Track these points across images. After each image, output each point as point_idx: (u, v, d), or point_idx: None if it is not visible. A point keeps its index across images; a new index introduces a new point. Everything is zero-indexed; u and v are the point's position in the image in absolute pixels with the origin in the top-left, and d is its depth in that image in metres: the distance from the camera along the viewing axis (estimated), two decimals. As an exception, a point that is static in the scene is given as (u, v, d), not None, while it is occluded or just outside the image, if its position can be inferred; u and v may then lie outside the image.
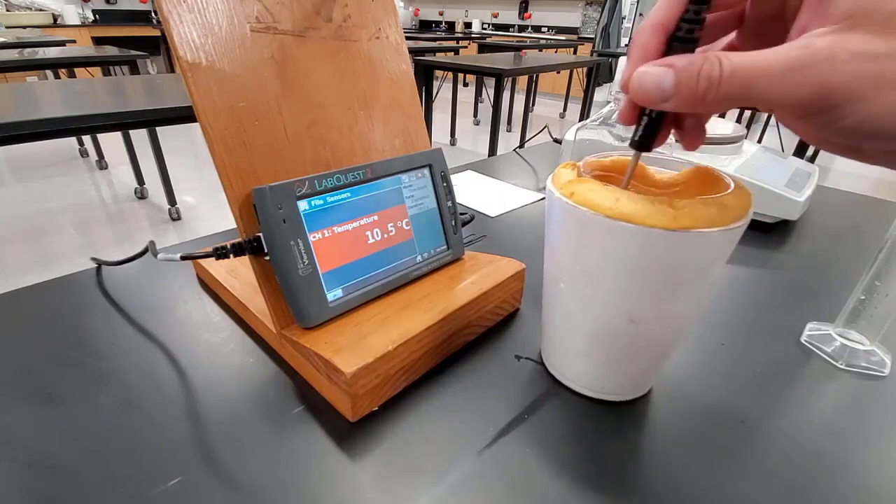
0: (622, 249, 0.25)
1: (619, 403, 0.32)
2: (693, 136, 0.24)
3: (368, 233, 0.35)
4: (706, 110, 0.19)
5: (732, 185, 0.26)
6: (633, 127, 0.23)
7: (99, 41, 4.79)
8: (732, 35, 0.22)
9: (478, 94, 4.61)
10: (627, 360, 0.30)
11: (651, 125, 0.22)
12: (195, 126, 0.44)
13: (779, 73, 0.16)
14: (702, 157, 0.60)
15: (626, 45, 4.81)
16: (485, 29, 6.34)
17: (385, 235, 0.36)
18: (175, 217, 2.33)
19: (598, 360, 0.31)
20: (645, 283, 0.26)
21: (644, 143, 0.23)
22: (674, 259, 0.25)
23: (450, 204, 0.40)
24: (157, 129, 2.13)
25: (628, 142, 0.24)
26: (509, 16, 6.25)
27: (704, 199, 0.24)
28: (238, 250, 0.31)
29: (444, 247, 0.40)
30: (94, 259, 0.46)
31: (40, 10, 4.72)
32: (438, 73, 2.91)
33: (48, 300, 0.41)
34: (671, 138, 0.24)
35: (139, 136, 2.23)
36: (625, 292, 0.27)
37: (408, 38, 2.24)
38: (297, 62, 0.33)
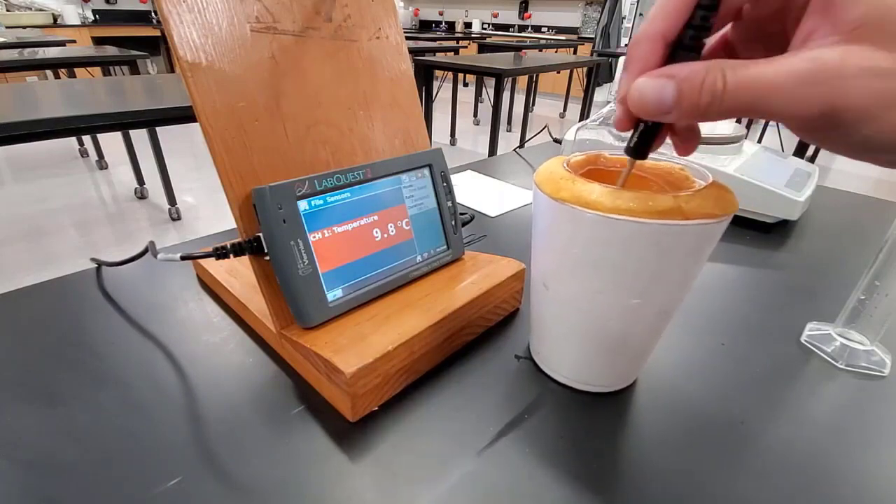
0: (604, 242, 0.26)
1: (617, 402, 0.32)
2: (688, 142, 0.23)
3: (368, 233, 0.35)
4: (706, 121, 0.19)
5: (706, 181, 0.26)
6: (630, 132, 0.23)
7: (99, 41, 4.79)
8: (727, 28, 0.22)
9: (478, 94, 4.61)
10: (613, 351, 0.30)
11: (647, 133, 0.22)
12: (195, 126, 0.44)
13: (786, 88, 0.16)
14: (702, 158, 0.60)
15: (626, 46, 4.81)
16: (485, 29, 6.34)
17: (385, 235, 0.36)
18: (175, 217, 2.33)
19: (583, 351, 0.31)
20: (627, 276, 0.27)
21: (639, 151, 0.23)
22: (655, 251, 0.25)
23: (450, 204, 0.40)
24: (157, 129, 2.13)
25: (624, 149, 0.23)
26: (509, 16, 6.25)
27: (689, 193, 0.24)
28: (238, 250, 0.31)
29: (444, 247, 0.40)
30: (93, 259, 0.46)
31: (40, 10, 4.72)
32: (438, 73, 2.91)
33: (48, 300, 0.41)
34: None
35: (139, 136, 2.23)
36: (610, 285, 0.27)
37: (408, 38, 2.24)
38: (297, 62, 0.33)
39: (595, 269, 0.27)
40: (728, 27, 0.22)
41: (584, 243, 0.27)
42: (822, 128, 0.16)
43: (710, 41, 0.23)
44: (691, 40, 0.19)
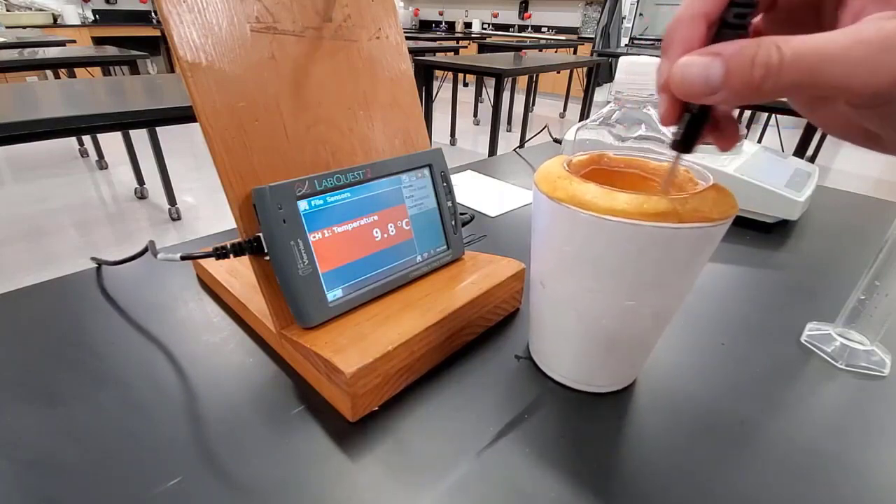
0: (598, 243, 0.26)
1: (617, 402, 0.32)
2: (729, 134, 0.22)
3: (368, 233, 0.35)
4: (760, 101, 0.17)
5: (709, 183, 0.26)
6: (674, 127, 0.21)
7: (99, 41, 4.79)
8: (758, 19, 0.21)
9: (478, 94, 4.61)
10: (610, 351, 0.30)
11: (693, 123, 0.20)
12: (195, 126, 0.44)
13: (853, 56, 0.14)
14: (702, 158, 0.60)
15: (627, 45, 4.82)
16: (485, 29, 6.34)
17: (385, 235, 0.36)
18: (175, 217, 2.33)
19: (581, 351, 0.31)
20: (621, 277, 0.27)
21: (686, 143, 0.21)
22: (649, 253, 0.25)
23: (450, 204, 0.40)
24: (157, 129, 2.13)
25: (669, 144, 0.22)
26: (509, 16, 6.25)
27: (685, 196, 0.24)
28: (238, 250, 0.31)
29: (444, 247, 0.40)
30: (93, 259, 0.46)
31: (40, 10, 4.72)
32: (438, 73, 2.91)
33: (48, 300, 0.41)
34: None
35: (139, 136, 2.23)
36: (603, 285, 0.27)
37: (408, 38, 2.24)
38: (297, 62, 0.33)
39: (589, 269, 0.27)
40: (758, 18, 0.21)
41: (579, 243, 0.27)
42: (888, 101, 0.15)
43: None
44: (736, 18, 0.17)
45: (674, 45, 0.18)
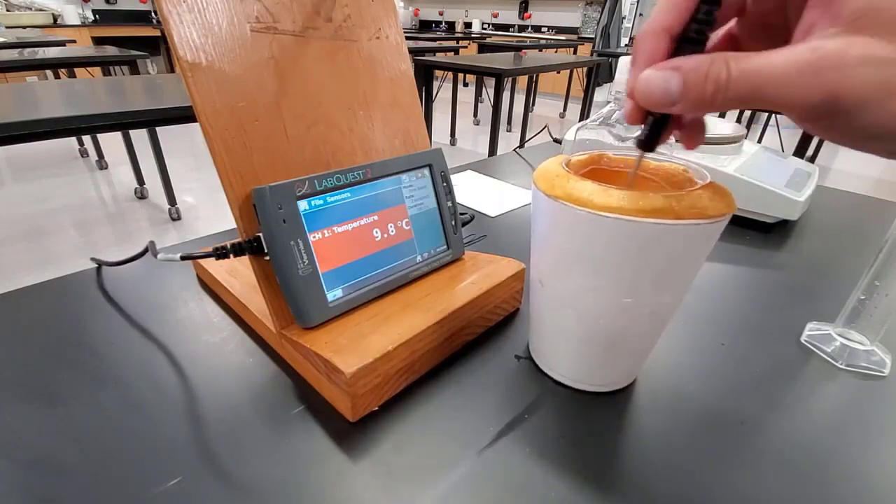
0: (612, 243, 0.26)
1: (617, 402, 0.32)
2: (694, 135, 0.24)
3: (368, 233, 0.35)
4: (713, 112, 0.19)
5: (708, 179, 0.27)
6: (640, 126, 0.23)
7: (99, 41, 4.79)
8: (732, 23, 0.22)
9: (478, 94, 4.61)
10: (608, 350, 0.30)
11: (656, 126, 0.22)
12: (195, 126, 0.44)
13: (787, 77, 0.16)
14: (702, 158, 0.60)
15: (627, 45, 4.82)
16: (485, 29, 6.34)
17: (385, 235, 0.36)
18: (175, 217, 2.33)
19: (579, 350, 0.31)
20: (618, 275, 0.27)
21: (649, 143, 0.23)
22: (645, 251, 0.25)
23: (450, 204, 0.40)
24: (157, 129, 2.13)
25: (632, 141, 0.24)
26: (509, 16, 6.25)
27: (682, 193, 0.24)
28: (238, 250, 0.31)
29: (444, 247, 0.40)
30: (93, 259, 0.46)
31: (40, 10, 4.72)
32: (438, 73, 2.91)
33: (48, 300, 0.41)
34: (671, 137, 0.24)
35: (139, 136, 2.23)
36: (600, 283, 0.27)
37: (408, 38, 2.24)
38: (297, 62, 0.33)
39: (586, 267, 0.27)
40: (733, 22, 0.22)
41: (576, 240, 0.27)
42: (822, 116, 0.16)
43: (716, 36, 0.23)
44: (696, 34, 0.19)
45: (639, 56, 0.20)
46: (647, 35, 0.20)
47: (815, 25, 0.17)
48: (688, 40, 0.19)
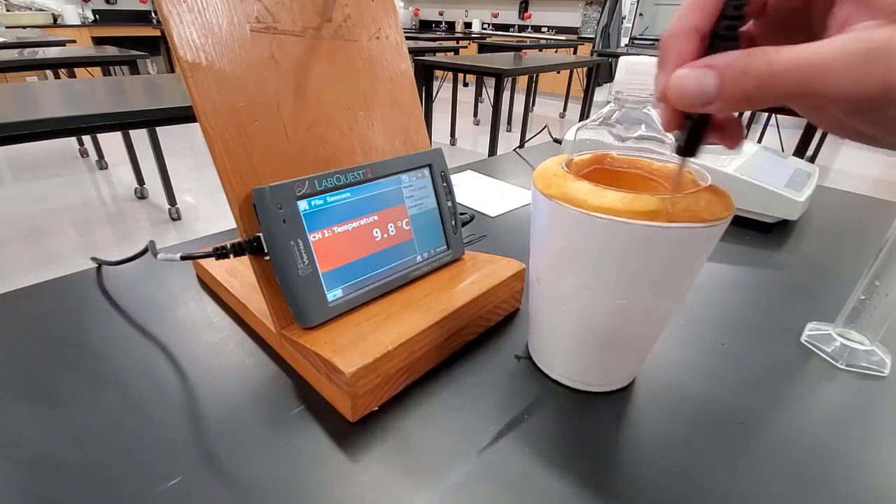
0: (605, 243, 0.26)
1: (617, 401, 0.32)
2: (732, 134, 0.23)
3: (368, 233, 0.35)
4: (753, 108, 0.18)
5: (708, 181, 0.26)
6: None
7: (99, 41, 4.79)
8: (749, 24, 0.22)
9: (478, 94, 4.61)
10: (604, 350, 0.30)
11: (696, 129, 0.21)
12: (195, 126, 0.45)
13: (839, 67, 0.15)
14: (702, 158, 0.60)
15: (627, 45, 4.81)
16: (485, 29, 6.34)
17: (385, 235, 0.36)
18: (175, 217, 2.33)
19: (576, 349, 0.31)
20: (611, 276, 0.27)
21: (690, 148, 0.22)
22: (639, 252, 0.25)
23: (450, 204, 0.40)
24: (157, 129, 2.13)
25: (672, 149, 0.23)
26: (509, 16, 6.25)
27: (678, 196, 0.24)
28: (238, 250, 0.31)
29: (444, 247, 0.40)
30: (93, 259, 0.46)
31: (40, 10, 4.72)
32: (438, 73, 2.91)
33: (48, 300, 0.41)
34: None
35: (139, 136, 2.23)
36: (594, 283, 0.27)
37: (408, 38, 2.24)
38: (296, 62, 0.33)
39: (580, 267, 0.27)
40: (750, 24, 0.22)
41: (570, 240, 0.27)
42: (874, 108, 0.16)
43: None
44: (727, 30, 0.18)
45: (669, 57, 0.19)
46: (675, 35, 0.19)
47: (851, 19, 0.16)
48: (720, 37, 0.18)
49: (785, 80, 0.16)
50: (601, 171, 0.31)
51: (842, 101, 0.16)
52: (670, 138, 0.24)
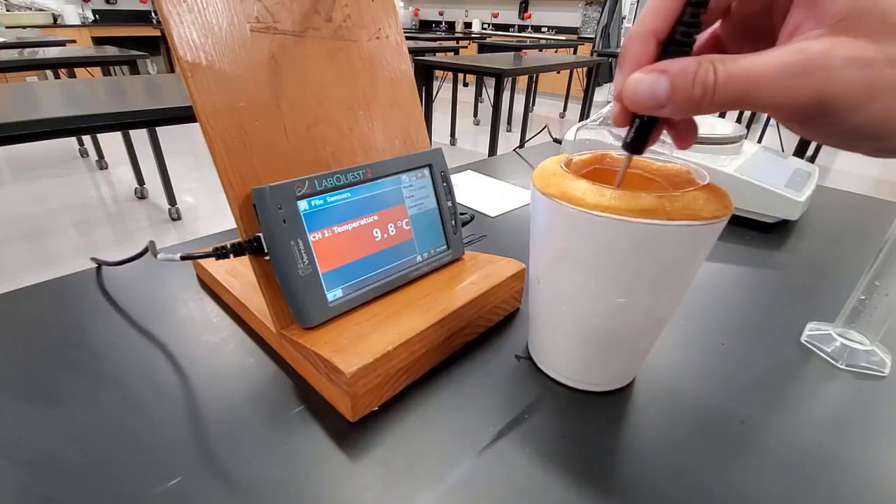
0: (604, 242, 0.26)
1: (617, 401, 0.32)
2: (686, 135, 0.23)
3: (368, 233, 0.35)
4: (700, 114, 0.19)
5: (706, 180, 0.26)
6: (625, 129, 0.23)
7: (99, 41, 4.78)
8: (717, 25, 0.22)
9: (478, 94, 4.61)
10: (604, 350, 0.30)
11: (643, 128, 0.22)
12: (195, 126, 0.45)
13: (775, 79, 0.16)
14: (702, 158, 0.60)
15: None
16: (485, 29, 6.34)
17: (385, 235, 0.36)
18: (175, 217, 2.33)
19: (575, 349, 0.31)
20: (610, 275, 0.27)
21: (636, 145, 0.23)
22: (637, 251, 0.25)
23: (450, 204, 0.40)
24: (157, 129, 2.13)
25: (622, 145, 0.23)
26: (509, 16, 6.25)
27: (677, 194, 0.24)
28: (238, 250, 0.31)
29: (444, 247, 0.40)
30: (93, 259, 0.46)
31: (40, 10, 4.72)
32: (438, 73, 2.91)
33: (48, 300, 0.41)
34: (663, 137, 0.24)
35: (139, 136, 2.23)
36: (593, 282, 0.27)
37: (408, 38, 2.24)
38: (297, 62, 0.33)
39: (579, 266, 0.27)
40: (717, 24, 0.22)
41: (569, 239, 0.27)
42: (809, 118, 0.16)
43: (701, 38, 0.23)
44: (682, 37, 0.19)
45: (627, 60, 0.20)
46: (634, 38, 0.20)
47: (801, 27, 0.17)
48: (674, 43, 0.19)
49: (728, 89, 0.17)
50: (601, 171, 0.31)
51: (779, 111, 0.17)
52: (669, 138, 0.24)
